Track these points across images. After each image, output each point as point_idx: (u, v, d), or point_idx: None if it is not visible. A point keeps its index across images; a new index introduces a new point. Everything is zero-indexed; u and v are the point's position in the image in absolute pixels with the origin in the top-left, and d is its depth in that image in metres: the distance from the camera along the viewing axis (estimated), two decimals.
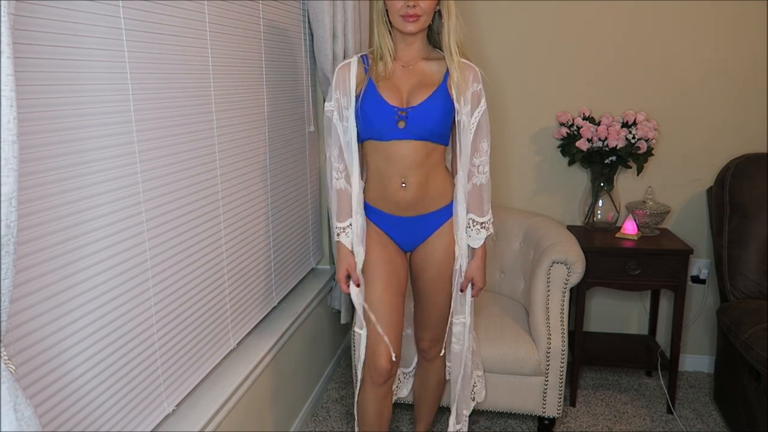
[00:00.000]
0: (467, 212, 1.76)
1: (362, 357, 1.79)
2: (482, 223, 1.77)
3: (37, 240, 1.00)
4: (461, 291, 1.81)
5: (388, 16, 1.62)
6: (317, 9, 2.09)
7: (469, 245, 1.79)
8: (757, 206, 2.41)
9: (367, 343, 1.77)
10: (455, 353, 1.91)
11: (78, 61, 1.07)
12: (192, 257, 1.50)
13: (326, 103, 1.73)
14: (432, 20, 1.63)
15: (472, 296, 1.82)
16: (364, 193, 1.77)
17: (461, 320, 1.85)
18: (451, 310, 1.86)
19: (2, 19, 0.71)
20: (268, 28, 1.90)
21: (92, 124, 1.11)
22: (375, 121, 1.64)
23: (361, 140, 1.71)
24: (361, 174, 1.75)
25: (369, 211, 1.78)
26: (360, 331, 1.81)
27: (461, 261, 1.78)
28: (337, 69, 1.72)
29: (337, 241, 1.79)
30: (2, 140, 0.72)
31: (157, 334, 1.36)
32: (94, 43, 1.11)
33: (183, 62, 1.42)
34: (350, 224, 1.76)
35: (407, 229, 1.77)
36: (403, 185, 1.68)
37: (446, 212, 1.77)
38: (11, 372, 0.78)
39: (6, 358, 0.78)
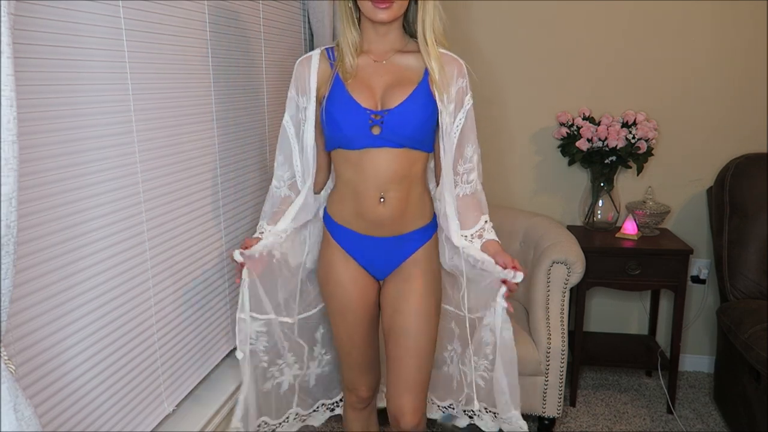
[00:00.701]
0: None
1: (247, 375, 1.47)
2: (473, 234, 1.51)
3: (37, 240, 1.00)
4: (503, 281, 1.40)
5: (355, 3, 1.41)
6: (317, 9, 2.09)
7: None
8: (757, 206, 2.41)
9: (346, 373, 1.64)
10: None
11: (78, 61, 1.07)
12: (192, 257, 1.50)
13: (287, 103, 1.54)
14: (408, 8, 1.42)
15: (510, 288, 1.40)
16: (330, 208, 1.55)
17: (488, 322, 1.48)
18: (431, 364, 1.58)
19: (2, 19, 0.71)
20: (268, 28, 1.90)
21: (92, 124, 1.11)
22: (344, 126, 1.40)
23: (328, 149, 1.49)
24: (322, 186, 1.58)
25: (336, 230, 1.53)
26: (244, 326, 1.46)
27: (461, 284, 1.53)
28: (296, 64, 1.50)
29: (255, 237, 1.53)
30: (2, 140, 0.72)
31: (157, 335, 1.36)
32: (94, 43, 1.11)
33: (183, 62, 1.42)
34: (283, 233, 1.52)
35: (381, 252, 1.51)
36: (382, 200, 1.43)
37: (424, 234, 1.53)
38: (11, 372, 0.78)
39: (6, 358, 0.78)
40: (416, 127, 1.41)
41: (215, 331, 1.65)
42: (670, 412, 2.51)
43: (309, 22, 2.19)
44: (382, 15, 1.35)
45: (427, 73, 1.43)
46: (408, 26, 1.48)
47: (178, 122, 1.41)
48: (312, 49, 2.23)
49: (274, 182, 1.58)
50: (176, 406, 1.46)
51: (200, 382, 1.60)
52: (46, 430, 1.03)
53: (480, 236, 1.51)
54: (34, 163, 0.98)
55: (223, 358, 1.74)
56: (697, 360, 2.85)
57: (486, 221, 1.54)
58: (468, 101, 1.48)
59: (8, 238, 0.74)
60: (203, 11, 1.50)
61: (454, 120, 1.46)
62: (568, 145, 2.61)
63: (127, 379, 1.26)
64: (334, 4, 2.13)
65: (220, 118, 1.61)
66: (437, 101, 1.43)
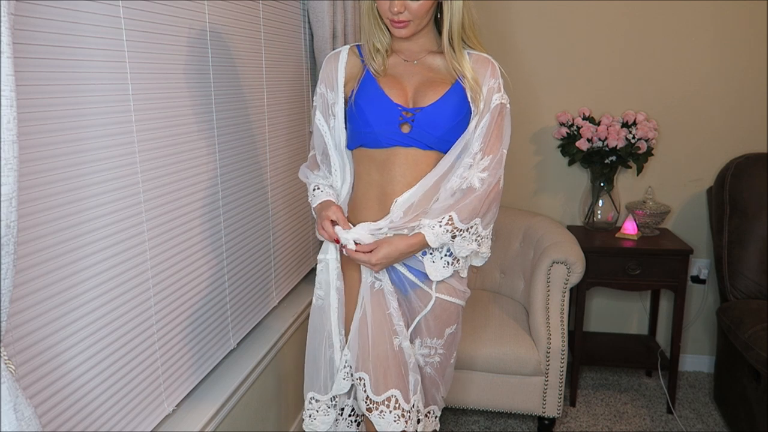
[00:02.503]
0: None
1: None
2: (449, 220, 1.33)
3: (37, 240, 1.00)
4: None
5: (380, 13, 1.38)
6: (317, 9, 2.09)
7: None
8: (757, 206, 2.41)
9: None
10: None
11: (78, 61, 1.07)
12: (192, 257, 1.50)
13: (313, 100, 1.50)
14: (440, 10, 1.37)
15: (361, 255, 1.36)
16: (349, 216, 1.45)
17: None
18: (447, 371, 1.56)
19: (2, 19, 0.71)
20: (268, 28, 1.90)
21: (92, 124, 1.11)
22: (373, 121, 1.36)
23: (350, 147, 1.43)
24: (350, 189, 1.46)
25: None
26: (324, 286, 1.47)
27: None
28: (324, 60, 1.48)
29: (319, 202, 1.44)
30: (2, 140, 0.72)
31: (157, 335, 1.36)
32: (94, 43, 1.11)
33: (183, 62, 1.42)
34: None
35: (406, 264, 1.43)
36: None
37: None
38: (11, 372, 0.78)
39: (6, 358, 0.78)
40: (448, 128, 1.37)
41: (215, 331, 1.65)
42: (670, 412, 2.51)
43: (309, 22, 2.19)
44: (401, 32, 1.35)
45: (461, 75, 1.39)
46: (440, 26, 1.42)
47: (178, 122, 1.41)
48: (312, 49, 2.24)
49: (311, 179, 1.51)
50: (176, 406, 1.47)
51: (200, 382, 1.61)
52: (46, 430, 1.03)
53: (445, 229, 1.34)
54: (34, 163, 0.98)
55: (223, 358, 1.74)
56: (697, 360, 2.85)
57: (449, 219, 1.33)
58: (495, 100, 1.39)
59: (8, 238, 0.74)
60: (203, 11, 1.50)
61: (480, 121, 1.39)
62: (568, 145, 2.61)
63: (127, 379, 1.26)
64: (334, 5, 2.13)
65: (220, 118, 1.61)
66: (471, 104, 1.39)
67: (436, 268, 1.41)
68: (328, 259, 1.48)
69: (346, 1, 2.20)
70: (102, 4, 1.12)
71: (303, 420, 1.52)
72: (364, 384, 1.40)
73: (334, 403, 1.53)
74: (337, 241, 1.38)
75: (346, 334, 1.47)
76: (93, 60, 1.11)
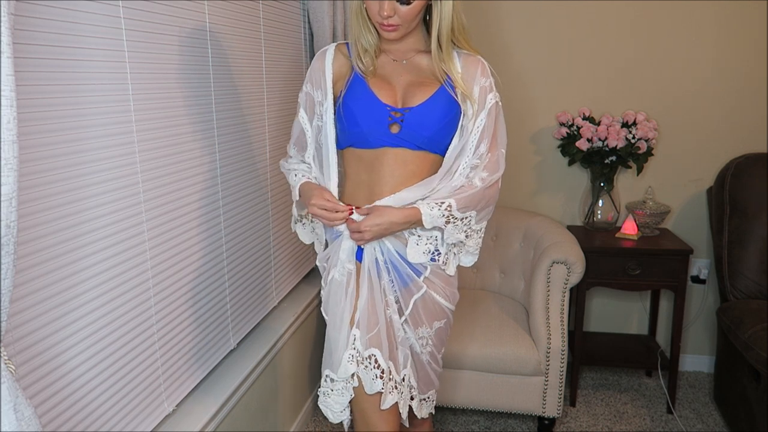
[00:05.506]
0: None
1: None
2: (443, 204, 1.34)
3: (37, 240, 1.00)
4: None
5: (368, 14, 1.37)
6: (317, 9, 2.09)
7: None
8: (757, 206, 2.41)
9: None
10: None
11: (78, 61, 1.07)
12: (192, 257, 1.50)
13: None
14: (428, 10, 1.36)
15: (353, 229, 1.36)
16: None
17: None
18: (440, 357, 1.57)
19: (2, 19, 0.71)
20: (268, 28, 1.90)
21: (92, 124, 1.12)
22: (362, 121, 1.36)
23: (340, 147, 1.43)
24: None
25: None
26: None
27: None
28: (313, 59, 1.47)
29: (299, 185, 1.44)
30: (2, 140, 0.72)
31: (157, 335, 1.36)
32: (94, 43, 1.11)
33: (183, 62, 1.42)
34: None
35: (395, 261, 1.43)
36: None
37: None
38: (11, 372, 0.78)
39: (6, 358, 0.78)
40: (437, 129, 1.37)
41: (215, 331, 1.65)
42: (670, 412, 2.51)
43: (309, 22, 2.19)
44: (390, 35, 1.35)
45: (449, 76, 1.39)
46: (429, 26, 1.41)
47: (178, 122, 1.41)
48: (312, 49, 2.24)
49: (291, 168, 1.51)
50: (176, 406, 1.47)
51: (200, 382, 1.61)
52: (46, 430, 1.03)
53: (435, 209, 1.35)
54: (34, 163, 0.98)
55: (223, 358, 1.74)
56: (697, 360, 2.85)
57: (448, 205, 1.34)
58: (490, 99, 1.39)
59: (8, 238, 0.74)
60: (203, 11, 1.50)
61: (476, 121, 1.39)
62: (568, 145, 2.61)
63: (127, 379, 1.26)
64: (334, 5, 2.13)
65: (220, 118, 1.61)
66: (460, 104, 1.38)
67: (417, 251, 1.40)
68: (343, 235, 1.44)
69: (346, 1, 2.20)
70: (102, 4, 1.12)
71: (318, 396, 1.49)
72: (376, 360, 1.38)
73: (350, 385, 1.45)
74: (351, 213, 1.36)
75: (353, 315, 1.43)
76: (93, 60, 1.11)
